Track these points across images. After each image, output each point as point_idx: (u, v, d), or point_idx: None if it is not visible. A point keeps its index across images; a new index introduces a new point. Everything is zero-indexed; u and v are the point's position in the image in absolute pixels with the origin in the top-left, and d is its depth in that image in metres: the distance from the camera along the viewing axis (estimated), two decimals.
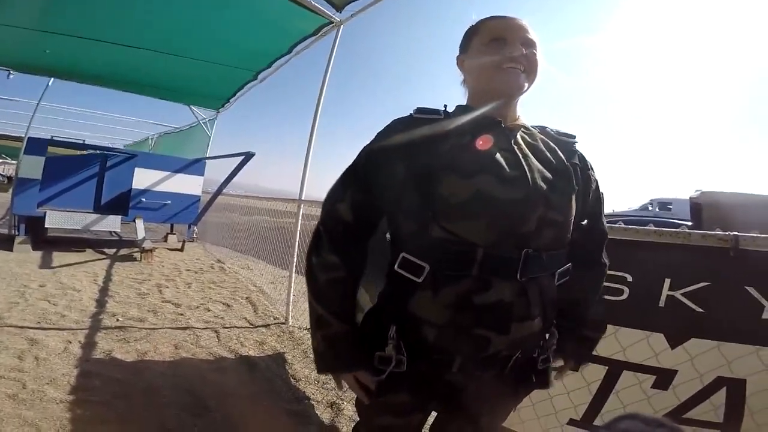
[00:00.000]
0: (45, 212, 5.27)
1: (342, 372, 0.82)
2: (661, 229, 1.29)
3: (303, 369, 2.46)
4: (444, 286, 0.73)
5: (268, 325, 3.26)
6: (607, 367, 1.37)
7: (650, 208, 14.05)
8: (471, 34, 0.86)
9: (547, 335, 0.85)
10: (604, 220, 0.96)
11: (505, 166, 0.75)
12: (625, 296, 1.30)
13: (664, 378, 1.27)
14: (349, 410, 2.03)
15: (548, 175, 0.78)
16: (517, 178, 0.75)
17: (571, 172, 0.82)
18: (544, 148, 0.83)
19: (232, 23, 3.68)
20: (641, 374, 1.31)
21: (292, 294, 3.39)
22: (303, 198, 3.52)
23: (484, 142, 0.77)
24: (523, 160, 0.77)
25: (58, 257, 4.88)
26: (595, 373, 1.39)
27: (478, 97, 0.85)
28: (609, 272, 1.32)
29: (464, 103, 0.89)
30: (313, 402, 2.09)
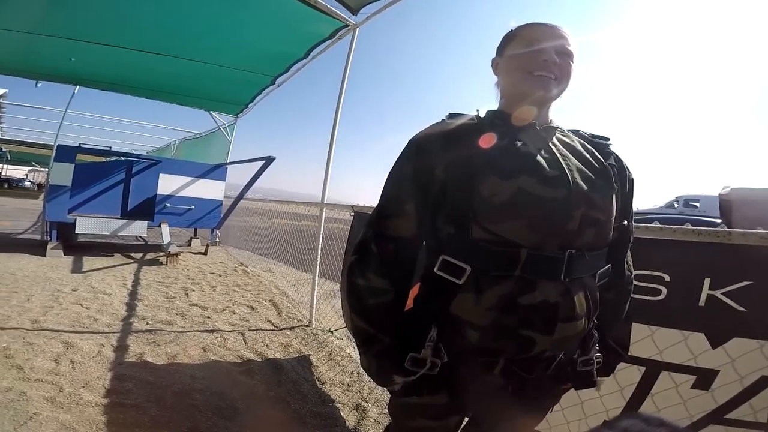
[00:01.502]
0: (75, 218, 5.46)
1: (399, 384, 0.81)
2: (699, 228, 1.25)
3: (328, 371, 2.47)
4: (487, 288, 0.73)
5: (293, 327, 3.29)
6: (644, 368, 1.33)
7: (676, 206, 13.62)
8: (508, 39, 0.86)
9: (587, 335, 0.84)
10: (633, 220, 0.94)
11: (546, 167, 0.75)
12: (662, 296, 1.26)
13: (704, 378, 1.23)
14: (375, 412, 2.03)
15: (589, 174, 0.78)
16: (557, 177, 0.75)
17: (610, 172, 0.82)
18: (581, 149, 0.83)
19: (249, 28, 3.73)
20: (681, 375, 1.27)
21: (315, 297, 3.42)
22: (325, 201, 3.54)
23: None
24: (561, 160, 0.77)
25: (89, 262, 5.05)
26: (629, 376, 1.35)
27: (510, 100, 0.86)
28: (646, 272, 1.28)
29: (496, 104, 0.89)
30: (338, 405, 2.10)
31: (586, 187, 0.75)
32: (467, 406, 0.88)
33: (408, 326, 0.81)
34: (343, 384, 2.31)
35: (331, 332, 3.16)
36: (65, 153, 5.58)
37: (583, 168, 0.78)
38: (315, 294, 3.43)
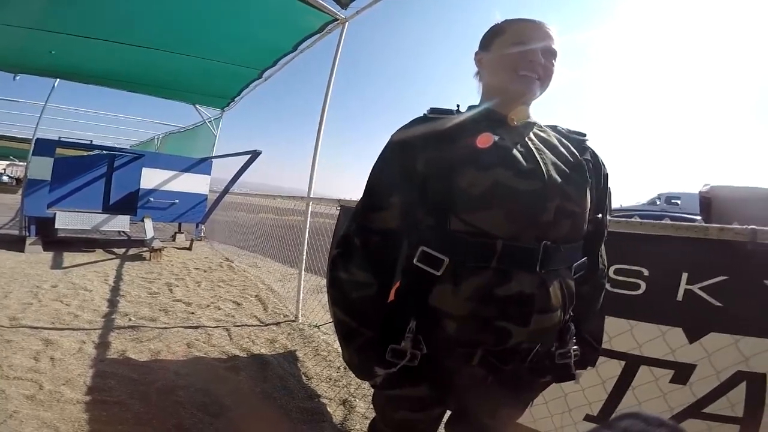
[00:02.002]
0: (55, 213, 5.32)
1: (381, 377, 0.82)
2: (678, 222, 1.28)
3: (314, 367, 2.47)
4: (464, 279, 0.74)
5: (279, 323, 3.27)
6: (624, 362, 1.36)
7: (658, 203, 13.94)
8: (494, 33, 0.87)
9: (564, 328, 0.85)
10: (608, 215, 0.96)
11: (522, 160, 0.77)
12: (641, 291, 1.29)
13: (682, 373, 1.26)
14: (362, 407, 2.04)
15: (563, 168, 0.80)
16: (532, 170, 0.76)
17: (584, 166, 0.84)
18: (557, 144, 0.85)
19: (236, 22, 3.68)
20: (659, 369, 1.30)
21: (301, 292, 3.41)
22: (311, 195, 3.52)
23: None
24: (537, 154, 0.79)
25: (69, 257, 4.94)
26: (610, 369, 1.38)
27: (492, 96, 0.87)
28: (625, 266, 1.31)
29: (477, 97, 0.91)
30: (325, 400, 2.10)
31: (560, 180, 0.77)
32: (449, 398, 0.89)
33: (390, 319, 0.81)
34: (330, 379, 2.32)
35: (318, 327, 3.16)
36: (44, 147, 5.42)
37: (558, 162, 0.80)
38: (301, 289, 3.41)
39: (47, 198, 5.41)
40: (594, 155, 0.89)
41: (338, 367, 2.46)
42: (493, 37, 0.87)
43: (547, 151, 0.81)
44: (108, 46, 4.26)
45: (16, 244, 5.19)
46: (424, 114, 0.85)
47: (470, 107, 0.88)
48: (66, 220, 5.40)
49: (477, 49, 0.91)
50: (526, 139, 0.82)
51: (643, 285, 1.29)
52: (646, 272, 1.29)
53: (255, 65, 4.72)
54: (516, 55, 0.81)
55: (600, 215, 0.89)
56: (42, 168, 5.32)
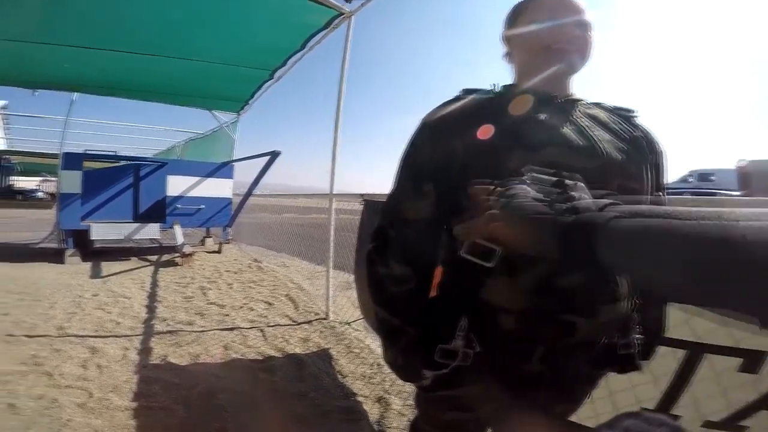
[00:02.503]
0: (89, 225, 5.54)
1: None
2: (731, 195, 1.19)
3: (348, 364, 2.48)
4: (521, 270, 0.68)
5: (310, 321, 3.31)
6: (685, 351, 1.25)
7: (690, 180, 13.35)
8: (521, 9, 0.81)
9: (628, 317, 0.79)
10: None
11: (574, 138, 0.71)
12: None
13: (752, 360, 1.14)
14: (398, 404, 2.04)
15: (620, 144, 0.74)
16: (588, 148, 0.70)
17: (642, 142, 0.78)
18: (607, 120, 0.78)
19: (244, 24, 3.68)
20: (725, 357, 1.18)
21: (330, 289, 3.43)
22: (334, 192, 3.53)
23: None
24: (589, 131, 0.73)
25: (106, 267, 5.13)
26: (666, 363, 1.27)
27: (528, 74, 0.81)
28: None
29: (510, 78, 0.85)
30: (361, 398, 2.11)
31: (620, 157, 0.71)
32: (502, 398, 0.86)
33: (434, 316, 0.76)
34: (364, 376, 2.33)
35: (349, 324, 3.18)
36: (72, 160, 5.63)
37: (613, 139, 0.74)
38: (330, 286, 3.44)
39: (80, 211, 5.63)
40: (646, 131, 0.82)
41: (372, 364, 2.47)
42: (520, 12, 0.81)
43: (598, 128, 0.75)
44: (119, 57, 4.32)
45: (56, 256, 5.44)
46: (458, 95, 0.79)
47: (506, 87, 0.82)
48: (100, 231, 5.62)
49: (503, 28, 0.85)
50: (573, 116, 0.76)
51: None
52: None
53: (266, 66, 4.73)
54: (548, 29, 0.75)
55: (660, 194, 0.82)
56: (72, 181, 5.52)
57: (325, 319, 3.36)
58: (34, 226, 9.28)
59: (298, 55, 4.31)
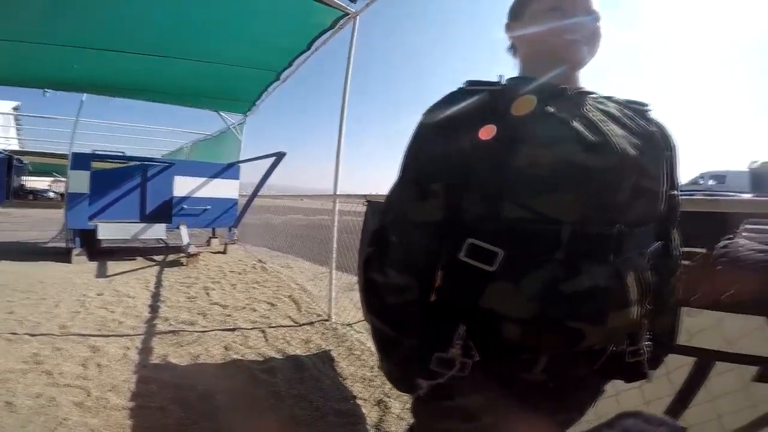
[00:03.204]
0: (97, 225, 5.59)
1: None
2: (749, 197, 1.14)
3: (349, 366, 2.45)
4: (525, 275, 0.64)
5: (312, 322, 3.29)
6: (695, 359, 1.20)
7: (701, 182, 13.16)
8: (524, 1, 0.78)
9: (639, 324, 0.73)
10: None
11: (587, 134, 0.66)
12: None
13: None
14: (397, 408, 2.00)
15: (634, 140, 0.69)
16: (602, 144, 0.65)
17: (657, 137, 0.73)
18: (620, 114, 0.74)
19: (249, 25, 3.68)
20: (738, 366, 1.12)
21: (333, 291, 3.41)
22: (337, 193, 3.51)
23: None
24: (602, 125, 0.68)
25: (112, 266, 5.17)
26: (674, 365, 1.21)
27: (535, 66, 0.77)
28: (693, 250, 1.18)
29: (516, 71, 0.81)
30: (360, 401, 2.07)
31: (635, 153, 0.67)
32: (503, 407, 0.81)
33: (432, 323, 0.71)
34: (364, 379, 2.29)
35: (351, 326, 3.15)
36: (80, 160, 5.68)
37: (627, 134, 0.69)
38: (333, 288, 3.41)
39: (88, 210, 5.67)
40: (660, 126, 0.77)
41: (372, 367, 2.43)
42: (523, 4, 0.78)
43: (611, 123, 0.70)
44: (127, 58, 4.36)
45: (63, 255, 5.49)
46: (461, 87, 0.74)
47: (512, 79, 0.78)
48: (107, 231, 5.66)
49: (507, 19, 0.82)
50: (584, 109, 0.71)
51: None
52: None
53: (272, 67, 4.74)
54: (553, 21, 0.72)
55: (675, 192, 0.78)
56: (80, 181, 5.58)
57: (327, 320, 3.33)
58: (43, 225, 9.41)
59: (304, 56, 4.32)
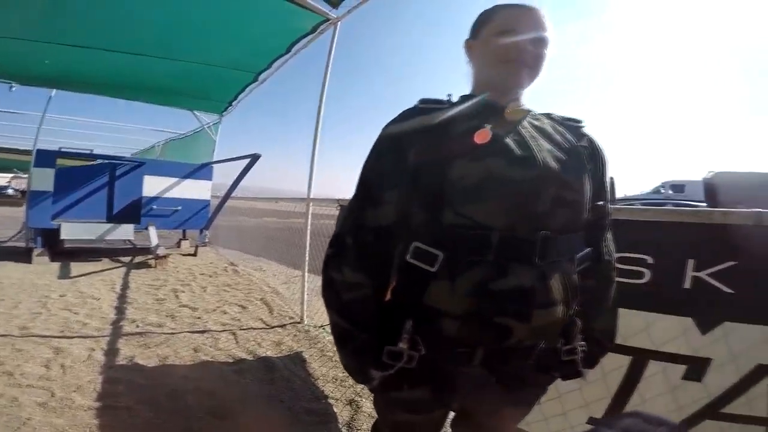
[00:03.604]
0: (60, 224, 5.37)
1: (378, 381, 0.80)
2: (681, 208, 1.26)
3: (320, 367, 2.47)
4: (460, 274, 0.71)
5: (284, 325, 3.28)
6: (631, 357, 1.29)
7: (662, 191, 13.86)
8: (483, 20, 0.84)
9: (570, 324, 0.81)
10: (609, 202, 0.92)
11: (515, 148, 0.74)
12: (646, 279, 1.26)
13: (696, 368, 1.19)
14: (368, 407, 2.04)
15: (559, 154, 0.77)
16: (526, 158, 0.73)
17: (581, 152, 0.81)
18: (551, 131, 0.82)
19: (229, 25, 3.67)
20: (670, 364, 1.23)
21: (306, 293, 3.41)
22: (311, 197, 3.53)
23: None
24: (531, 141, 0.76)
25: (76, 267, 4.97)
26: (611, 366, 1.31)
27: (483, 85, 0.85)
28: (628, 255, 1.28)
29: (468, 85, 0.88)
30: (332, 400, 2.10)
31: (556, 167, 0.74)
32: (450, 400, 0.86)
33: (385, 319, 0.78)
34: (336, 379, 2.32)
35: (323, 328, 3.17)
36: (45, 158, 5.46)
37: (553, 149, 0.77)
38: (305, 291, 3.42)
39: (51, 209, 5.45)
40: (591, 141, 0.86)
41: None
42: (482, 24, 0.84)
43: (541, 139, 0.78)
44: (102, 55, 4.25)
45: (23, 255, 5.24)
46: (416, 105, 0.82)
47: (462, 97, 0.85)
48: (71, 231, 5.45)
49: (467, 36, 0.88)
50: (519, 127, 0.79)
51: (648, 273, 1.26)
52: (650, 260, 1.26)
53: (250, 68, 4.71)
54: (503, 44, 0.78)
55: (601, 203, 0.86)
56: (44, 179, 5.35)
57: (299, 322, 3.33)
58: (2, 223, 8.93)
59: (284, 58, 4.32)
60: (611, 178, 0.91)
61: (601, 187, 0.87)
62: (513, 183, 0.72)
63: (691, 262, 1.19)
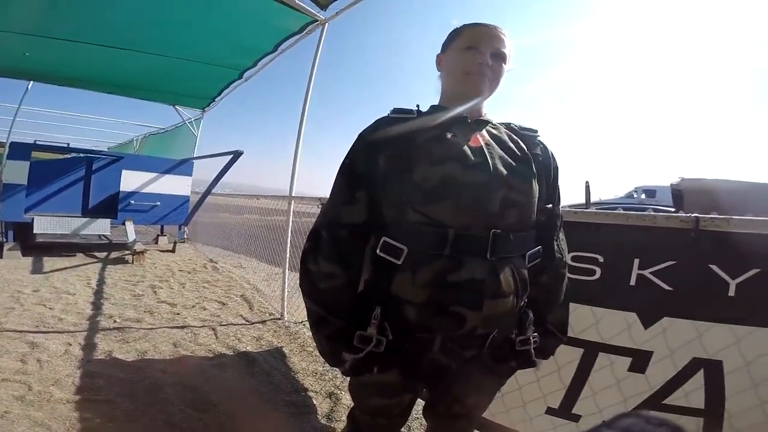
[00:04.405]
0: (33, 218, 5.24)
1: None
2: (628, 212, 1.39)
3: (300, 362, 2.54)
4: (421, 267, 0.81)
5: (264, 321, 3.33)
6: (582, 350, 1.40)
7: (635, 196, 14.37)
8: (452, 37, 0.95)
9: (523, 315, 0.91)
10: (560, 205, 1.02)
11: (470, 155, 0.84)
12: (597, 276, 1.37)
13: (640, 360, 1.29)
14: (347, 399, 2.11)
15: (509, 161, 0.87)
16: (479, 164, 0.83)
17: (531, 160, 0.91)
18: (507, 140, 0.92)
19: (215, 22, 3.68)
20: (618, 357, 1.34)
21: (286, 290, 3.46)
22: (294, 195, 3.57)
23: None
24: (485, 148, 0.87)
25: (49, 262, 4.87)
26: (566, 357, 1.42)
27: (448, 96, 0.95)
28: (582, 254, 1.41)
29: (437, 97, 0.98)
30: (312, 393, 2.17)
31: (505, 172, 0.84)
32: (417, 385, 0.96)
33: (358, 307, 0.88)
34: (316, 373, 2.39)
35: (303, 324, 3.22)
36: (19, 150, 5.31)
37: (505, 156, 0.88)
38: (286, 287, 3.47)
39: (24, 203, 5.31)
40: (544, 149, 0.96)
41: (324, 362, 2.52)
42: (450, 40, 0.95)
43: (495, 146, 0.89)
44: (83, 48, 4.19)
45: None
46: (388, 114, 0.93)
47: (431, 107, 0.96)
48: (44, 225, 5.32)
49: (439, 52, 0.99)
50: (478, 135, 0.89)
51: (599, 271, 1.38)
52: (601, 258, 1.38)
53: (235, 66, 4.72)
54: (466, 58, 0.89)
55: (551, 205, 0.96)
56: (17, 172, 5.21)
57: (279, 318, 3.38)
58: None
59: (270, 56, 4.34)
60: (586, 182, 1.02)
61: (553, 191, 0.97)
62: (467, 186, 0.82)
63: (636, 261, 1.31)
